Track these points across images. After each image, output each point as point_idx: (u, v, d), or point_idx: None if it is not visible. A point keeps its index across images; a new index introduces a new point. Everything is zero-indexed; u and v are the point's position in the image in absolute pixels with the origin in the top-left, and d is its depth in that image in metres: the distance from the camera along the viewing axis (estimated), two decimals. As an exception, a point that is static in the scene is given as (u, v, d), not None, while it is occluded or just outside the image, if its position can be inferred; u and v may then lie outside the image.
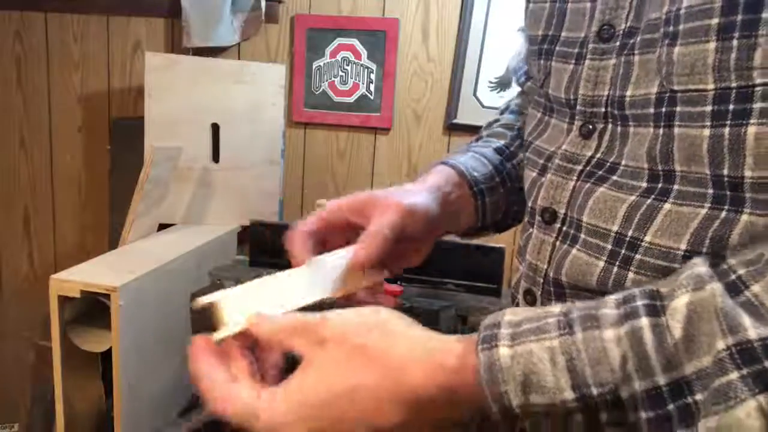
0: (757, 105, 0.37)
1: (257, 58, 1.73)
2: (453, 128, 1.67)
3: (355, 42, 1.68)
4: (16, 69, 1.86)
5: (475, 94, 1.64)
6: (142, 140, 1.63)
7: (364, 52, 1.68)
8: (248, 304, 0.43)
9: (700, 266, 0.37)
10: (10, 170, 1.93)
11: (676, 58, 0.40)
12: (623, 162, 0.46)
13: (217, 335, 0.42)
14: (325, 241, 0.54)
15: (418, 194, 0.56)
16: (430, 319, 1.26)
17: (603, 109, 0.49)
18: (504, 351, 0.37)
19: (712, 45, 0.38)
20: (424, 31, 1.66)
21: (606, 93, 0.48)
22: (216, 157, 1.67)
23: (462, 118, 1.65)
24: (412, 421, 0.39)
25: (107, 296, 1.16)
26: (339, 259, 0.49)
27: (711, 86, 0.39)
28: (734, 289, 0.34)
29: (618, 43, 0.47)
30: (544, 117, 0.58)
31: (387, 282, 1.34)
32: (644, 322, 0.35)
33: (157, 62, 1.61)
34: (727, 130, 0.38)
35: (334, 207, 0.54)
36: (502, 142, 0.71)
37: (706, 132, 0.39)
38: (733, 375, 0.32)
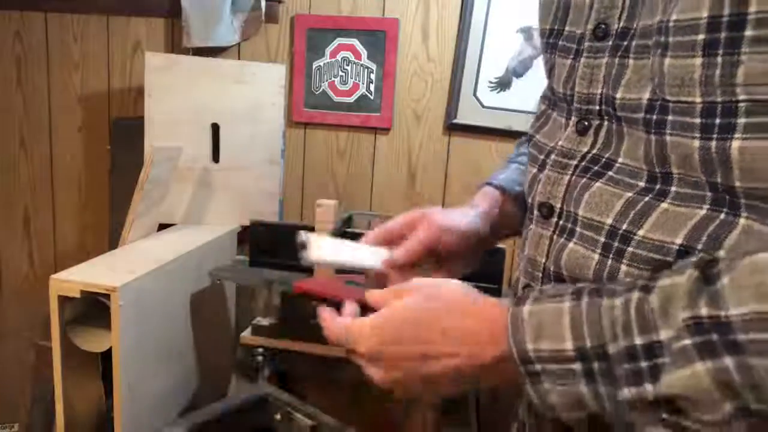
0: (741, 120, 0.39)
1: (257, 58, 1.74)
2: (453, 128, 1.67)
3: (355, 42, 1.68)
4: (16, 69, 1.86)
5: (475, 94, 1.64)
6: (142, 140, 1.63)
7: (364, 52, 1.68)
8: (330, 248, 0.64)
9: (693, 257, 0.42)
10: (10, 170, 1.93)
11: (667, 69, 0.42)
12: (620, 159, 0.48)
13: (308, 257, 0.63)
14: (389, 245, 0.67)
15: (463, 216, 0.67)
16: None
17: (597, 107, 0.50)
18: (526, 308, 0.45)
19: (699, 60, 0.40)
20: (424, 31, 1.66)
21: (600, 91, 0.49)
22: (216, 157, 1.67)
23: (462, 118, 1.65)
24: (456, 355, 0.47)
25: (107, 296, 1.16)
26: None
27: (699, 99, 0.41)
28: (711, 278, 0.39)
29: (611, 43, 0.49)
30: (548, 110, 0.59)
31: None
32: (635, 295, 0.41)
33: (157, 62, 1.61)
34: (714, 143, 0.40)
35: (394, 223, 0.67)
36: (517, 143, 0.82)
37: (696, 143, 0.41)
38: (687, 341, 0.38)
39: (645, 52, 0.45)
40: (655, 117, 0.44)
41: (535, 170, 0.58)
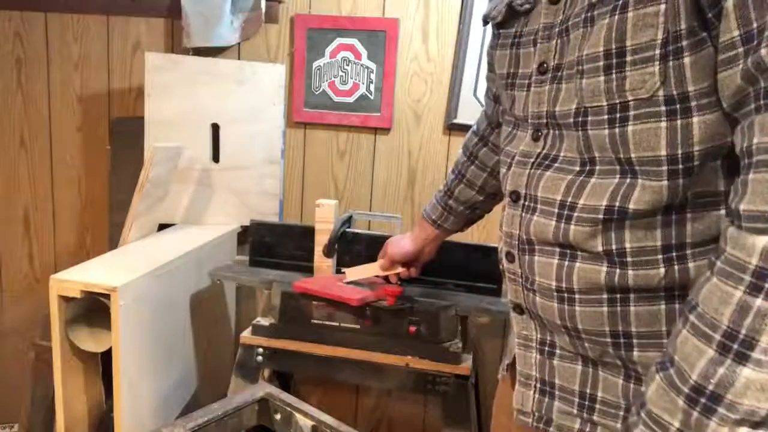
0: (632, 113, 0.60)
1: (257, 58, 1.74)
2: (453, 128, 1.67)
3: (355, 42, 1.68)
4: (16, 69, 1.86)
5: (475, 94, 1.64)
6: (142, 140, 1.63)
7: (364, 52, 1.68)
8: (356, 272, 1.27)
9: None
10: (10, 170, 1.93)
11: (584, 86, 0.63)
12: (562, 154, 0.68)
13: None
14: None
15: (409, 244, 1.22)
16: (430, 319, 1.26)
17: (545, 120, 0.70)
18: None
19: (601, 78, 0.61)
20: (424, 31, 1.66)
21: (545, 109, 0.70)
22: (216, 157, 1.67)
23: (462, 118, 1.65)
24: None
25: (107, 296, 1.17)
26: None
27: (605, 103, 0.62)
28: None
29: (550, 75, 0.69)
30: (513, 131, 0.80)
31: (388, 283, 1.35)
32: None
33: (157, 62, 1.61)
34: (617, 130, 0.61)
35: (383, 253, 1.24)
36: (444, 188, 1.13)
37: (605, 131, 0.62)
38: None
39: (570, 79, 0.66)
40: (580, 119, 0.65)
41: (504, 170, 0.79)
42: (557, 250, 0.68)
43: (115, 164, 1.80)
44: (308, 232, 1.44)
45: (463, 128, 1.66)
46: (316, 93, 1.73)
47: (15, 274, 1.99)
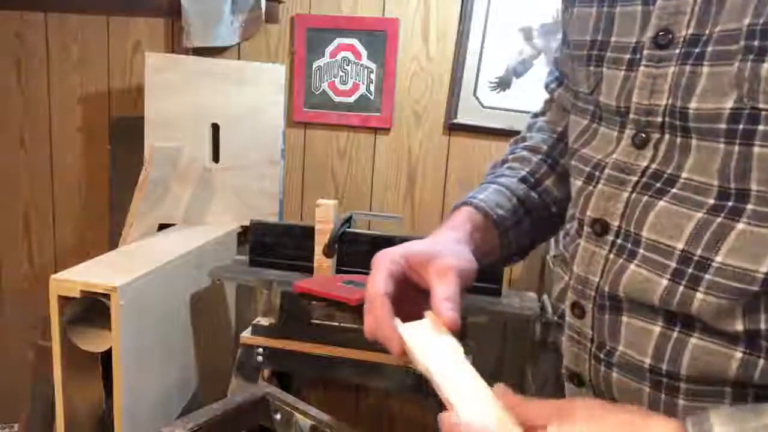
0: None
1: (257, 58, 1.73)
2: (453, 128, 1.67)
3: (355, 42, 1.68)
4: (16, 69, 1.86)
5: (475, 94, 1.64)
6: (142, 140, 1.63)
7: (364, 52, 1.68)
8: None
9: None
10: (10, 170, 1.93)
11: (764, 74, 0.39)
12: (684, 175, 0.45)
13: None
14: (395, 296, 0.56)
15: (463, 250, 0.58)
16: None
17: (660, 119, 0.47)
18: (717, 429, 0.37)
19: None
20: (424, 31, 1.66)
21: (664, 102, 0.46)
22: (216, 157, 1.67)
23: (462, 118, 1.65)
24: None
25: (107, 296, 1.16)
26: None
27: None
28: None
29: (678, 51, 0.46)
30: (591, 124, 0.56)
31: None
32: None
33: (157, 62, 1.61)
34: None
35: (396, 262, 0.56)
36: (527, 169, 0.69)
37: None
38: None
39: (726, 59, 0.42)
40: (741, 127, 0.41)
41: (581, 183, 0.55)
42: (661, 314, 0.47)
43: (115, 164, 1.80)
44: (308, 232, 1.44)
45: (463, 128, 1.66)
46: (316, 93, 1.73)
47: (15, 274, 1.99)
